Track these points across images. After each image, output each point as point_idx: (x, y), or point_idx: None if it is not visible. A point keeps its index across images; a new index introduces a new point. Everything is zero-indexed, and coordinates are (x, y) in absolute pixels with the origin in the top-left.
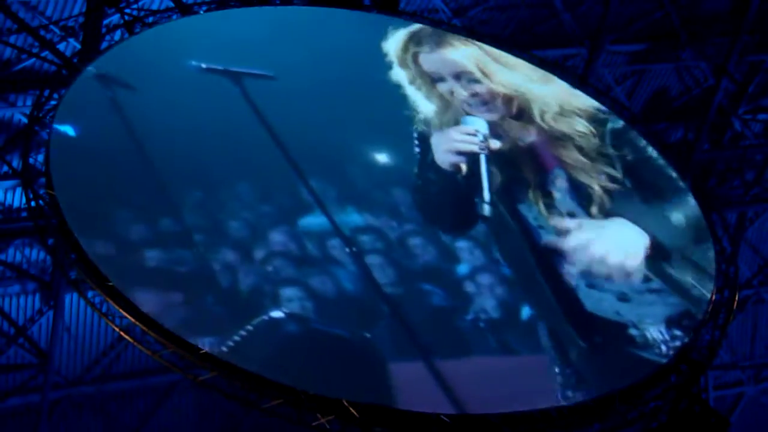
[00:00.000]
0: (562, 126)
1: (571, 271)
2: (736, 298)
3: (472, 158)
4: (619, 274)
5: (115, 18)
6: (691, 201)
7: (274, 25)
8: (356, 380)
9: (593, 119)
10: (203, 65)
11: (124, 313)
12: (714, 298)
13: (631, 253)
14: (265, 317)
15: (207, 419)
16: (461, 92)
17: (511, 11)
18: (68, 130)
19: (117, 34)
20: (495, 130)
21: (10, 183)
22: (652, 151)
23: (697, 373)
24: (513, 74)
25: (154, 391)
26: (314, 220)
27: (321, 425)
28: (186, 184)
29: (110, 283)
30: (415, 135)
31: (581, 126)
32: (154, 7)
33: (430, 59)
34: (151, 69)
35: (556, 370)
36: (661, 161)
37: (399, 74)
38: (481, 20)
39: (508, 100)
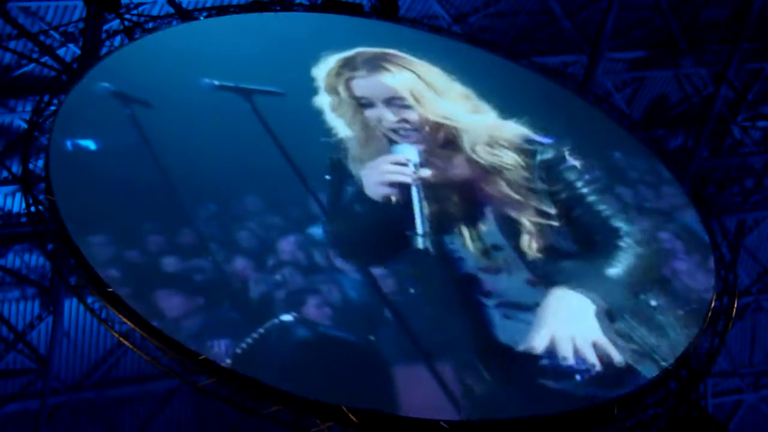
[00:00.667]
0: (491, 158)
1: (487, 303)
2: (735, 306)
3: (403, 189)
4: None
5: (115, 23)
6: (628, 248)
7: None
8: (362, 382)
9: (522, 151)
10: (216, 82)
11: (124, 319)
12: (713, 305)
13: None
14: (275, 321)
15: (206, 426)
16: (390, 118)
17: (511, 18)
18: (90, 144)
19: (117, 40)
20: (425, 159)
21: (9, 188)
22: (583, 186)
23: (696, 380)
24: (446, 102)
25: (154, 397)
26: (320, 231)
27: (320, 431)
28: (197, 196)
29: (110, 289)
30: (327, 162)
31: (509, 159)
32: (154, 12)
33: (362, 84)
34: (164, 86)
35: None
36: (593, 197)
37: (323, 100)
38: (481, 27)
39: (437, 128)
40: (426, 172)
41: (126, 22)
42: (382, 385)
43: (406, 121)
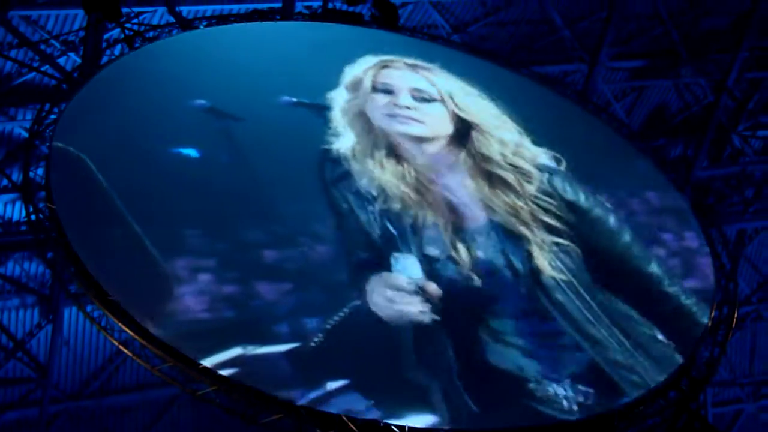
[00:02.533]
0: (510, 163)
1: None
2: (735, 315)
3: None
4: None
5: (116, 32)
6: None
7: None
8: None
9: (536, 165)
10: (294, 99)
11: (123, 327)
12: (713, 314)
13: None
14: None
15: None
16: (406, 101)
17: (511, 27)
18: (191, 152)
19: (117, 49)
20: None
21: (9, 196)
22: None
23: (696, 389)
24: (477, 107)
25: (153, 406)
26: None
27: None
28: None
29: (109, 297)
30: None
31: (527, 168)
32: (155, 21)
33: (394, 74)
34: (250, 102)
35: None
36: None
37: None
38: (481, 36)
39: (455, 120)
40: (431, 287)
41: (127, 31)
42: None
43: (415, 108)
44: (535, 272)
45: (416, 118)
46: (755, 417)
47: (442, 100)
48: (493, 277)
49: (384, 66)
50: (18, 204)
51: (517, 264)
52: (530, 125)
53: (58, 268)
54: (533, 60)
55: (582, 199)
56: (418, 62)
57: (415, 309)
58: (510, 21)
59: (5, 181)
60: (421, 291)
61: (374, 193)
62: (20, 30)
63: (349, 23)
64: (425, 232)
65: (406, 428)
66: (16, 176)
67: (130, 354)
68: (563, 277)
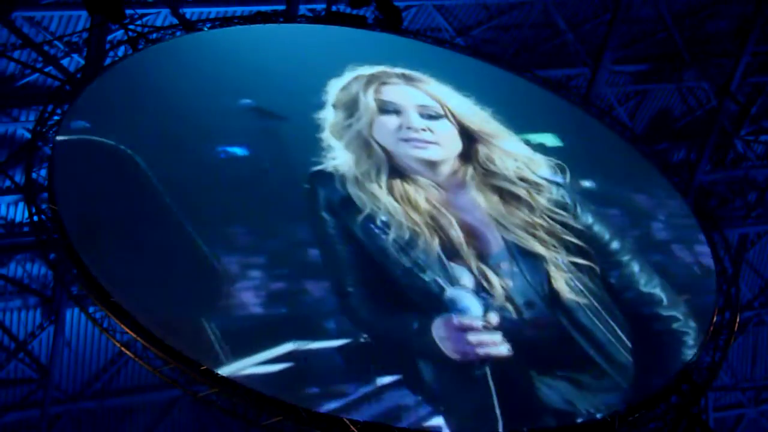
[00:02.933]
0: (519, 176)
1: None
2: (737, 320)
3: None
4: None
5: (119, 34)
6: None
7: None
8: None
9: (547, 179)
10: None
11: (125, 329)
12: (715, 319)
13: None
14: None
15: None
16: (417, 123)
17: (515, 31)
18: (237, 150)
19: (121, 50)
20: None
21: (12, 198)
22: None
23: (697, 394)
24: (480, 117)
25: (154, 408)
26: None
27: None
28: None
29: (112, 298)
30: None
31: (539, 179)
32: (158, 23)
33: (395, 90)
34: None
35: None
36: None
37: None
38: (485, 39)
39: (465, 135)
40: (495, 319)
41: (130, 33)
42: None
43: (434, 132)
44: (554, 295)
45: (433, 141)
46: (756, 422)
47: (446, 115)
48: (530, 309)
49: (382, 83)
50: (21, 205)
51: (540, 288)
52: (532, 132)
53: (60, 269)
54: (536, 63)
55: (592, 210)
56: (410, 73)
57: (495, 350)
58: (513, 24)
59: (8, 182)
60: (489, 325)
61: (385, 219)
62: (23, 31)
63: (352, 26)
64: (452, 262)
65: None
66: (19, 177)
67: (132, 355)
68: (584, 300)
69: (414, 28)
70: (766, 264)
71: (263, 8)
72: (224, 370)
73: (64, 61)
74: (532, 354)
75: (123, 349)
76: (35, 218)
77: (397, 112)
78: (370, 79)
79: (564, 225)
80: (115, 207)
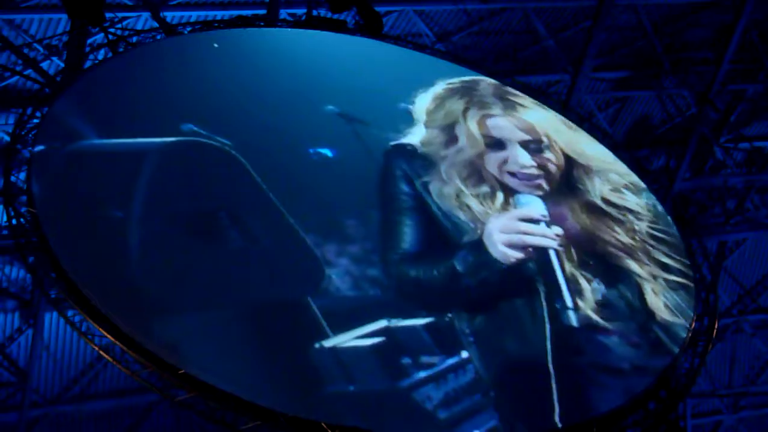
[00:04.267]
0: (620, 201)
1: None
2: (716, 327)
3: (539, 252)
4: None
5: (99, 37)
6: None
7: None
8: None
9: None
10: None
11: (104, 332)
12: (693, 326)
13: None
14: None
15: None
16: (523, 160)
17: (495, 37)
18: (327, 152)
19: (101, 54)
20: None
21: None
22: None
23: (675, 400)
24: (577, 137)
25: (133, 412)
26: None
27: None
28: None
29: (90, 302)
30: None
31: (634, 203)
32: (138, 27)
33: (500, 123)
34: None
35: None
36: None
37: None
38: (465, 45)
39: (566, 166)
40: (558, 230)
41: (110, 36)
42: None
43: (540, 165)
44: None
45: (538, 175)
46: (734, 429)
47: (550, 145)
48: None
49: (484, 115)
50: None
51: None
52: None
53: (38, 272)
54: (517, 70)
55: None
56: (505, 92)
57: (548, 241)
58: (494, 31)
59: None
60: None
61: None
62: (3, 34)
63: (332, 30)
64: None
65: None
66: None
67: (110, 359)
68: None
69: (394, 33)
70: (744, 271)
71: (244, 12)
72: (329, 342)
73: (44, 64)
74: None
75: (101, 352)
76: (14, 221)
77: (503, 146)
78: (468, 103)
79: (662, 242)
80: (98, 210)
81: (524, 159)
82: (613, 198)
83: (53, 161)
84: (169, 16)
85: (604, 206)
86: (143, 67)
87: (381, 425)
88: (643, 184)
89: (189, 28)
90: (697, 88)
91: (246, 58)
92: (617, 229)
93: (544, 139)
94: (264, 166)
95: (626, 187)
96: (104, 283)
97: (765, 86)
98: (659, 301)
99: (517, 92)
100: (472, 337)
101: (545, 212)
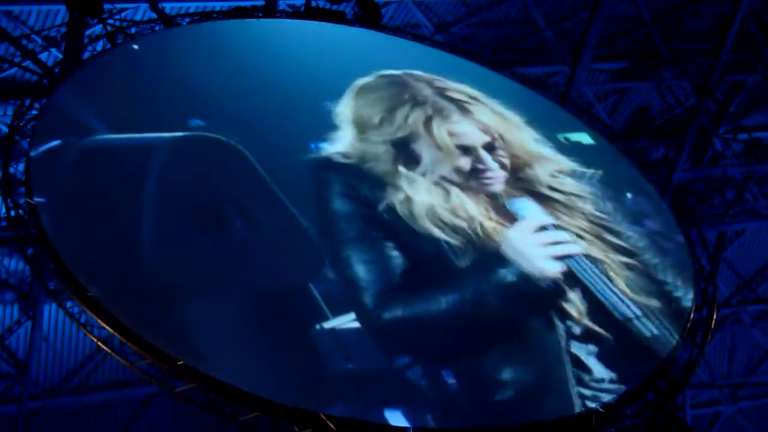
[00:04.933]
0: (566, 188)
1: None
2: (714, 317)
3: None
4: None
5: (98, 28)
6: None
7: None
8: None
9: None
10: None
11: (102, 324)
12: (692, 316)
13: None
14: None
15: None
16: (488, 163)
17: (494, 28)
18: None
19: (99, 45)
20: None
21: None
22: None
23: (674, 391)
24: (518, 132)
25: (132, 403)
26: None
27: None
28: None
29: (89, 294)
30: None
31: (577, 188)
32: (137, 18)
33: (463, 130)
34: None
35: None
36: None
37: None
38: (464, 36)
39: (517, 163)
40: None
41: (108, 27)
42: None
43: (502, 165)
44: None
45: (501, 176)
46: (733, 419)
47: (502, 142)
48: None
49: (444, 117)
50: None
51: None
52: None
53: (37, 264)
54: (516, 61)
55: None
56: (455, 91)
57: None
58: (493, 21)
59: None
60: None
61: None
62: (2, 25)
63: (331, 21)
64: None
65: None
66: None
67: (109, 350)
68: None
69: (393, 24)
70: (743, 262)
71: (242, 3)
72: (328, 324)
73: (42, 56)
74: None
75: (100, 344)
76: (12, 213)
77: (469, 152)
78: (428, 113)
79: (608, 228)
80: (98, 202)
81: (489, 161)
82: (556, 184)
83: (52, 153)
84: (167, 6)
85: (551, 193)
86: (145, 59)
87: (377, 401)
88: (574, 165)
89: (188, 19)
90: (696, 79)
91: (242, 48)
92: (568, 212)
93: (497, 136)
94: (268, 159)
95: (561, 172)
96: (105, 274)
97: (764, 77)
98: (621, 281)
99: (446, 81)
100: None
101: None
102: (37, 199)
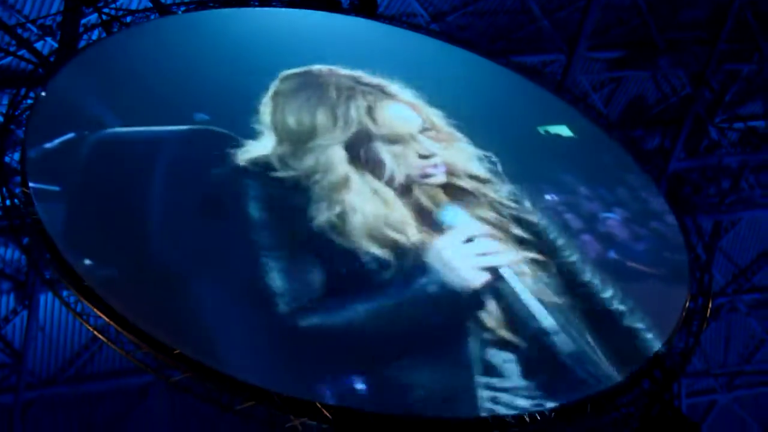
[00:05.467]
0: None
1: None
2: (710, 306)
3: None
4: None
5: (93, 17)
6: None
7: None
8: None
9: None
10: None
11: (99, 313)
12: (688, 305)
13: None
14: None
15: (182, 422)
16: (427, 148)
17: (490, 17)
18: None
19: (95, 34)
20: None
21: None
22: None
23: (670, 379)
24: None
25: (129, 393)
26: None
27: (294, 427)
28: None
29: (85, 283)
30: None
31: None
32: (133, 6)
33: (394, 114)
34: None
35: None
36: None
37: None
38: (460, 25)
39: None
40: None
41: (104, 16)
42: None
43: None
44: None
45: (438, 165)
46: (729, 407)
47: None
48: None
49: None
50: None
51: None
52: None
53: (33, 253)
54: (512, 50)
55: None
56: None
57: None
58: (489, 11)
59: None
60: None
61: None
62: None
63: (326, 10)
64: None
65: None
66: None
67: (105, 340)
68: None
69: (389, 13)
70: (739, 251)
71: None
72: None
73: (38, 45)
74: None
75: (96, 333)
76: (8, 202)
77: (398, 142)
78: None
79: (518, 220)
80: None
81: (428, 146)
82: (473, 170)
83: (48, 142)
84: None
85: (471, 181)
86: (143, 47)
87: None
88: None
89: (183, 8)
90: (692, 68)
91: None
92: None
93: (428, 122)
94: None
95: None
96: (102, 263)
97: (759, 66)
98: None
99: (358, 73)
100: None
101: (478, 231)
102: (32, 185)
